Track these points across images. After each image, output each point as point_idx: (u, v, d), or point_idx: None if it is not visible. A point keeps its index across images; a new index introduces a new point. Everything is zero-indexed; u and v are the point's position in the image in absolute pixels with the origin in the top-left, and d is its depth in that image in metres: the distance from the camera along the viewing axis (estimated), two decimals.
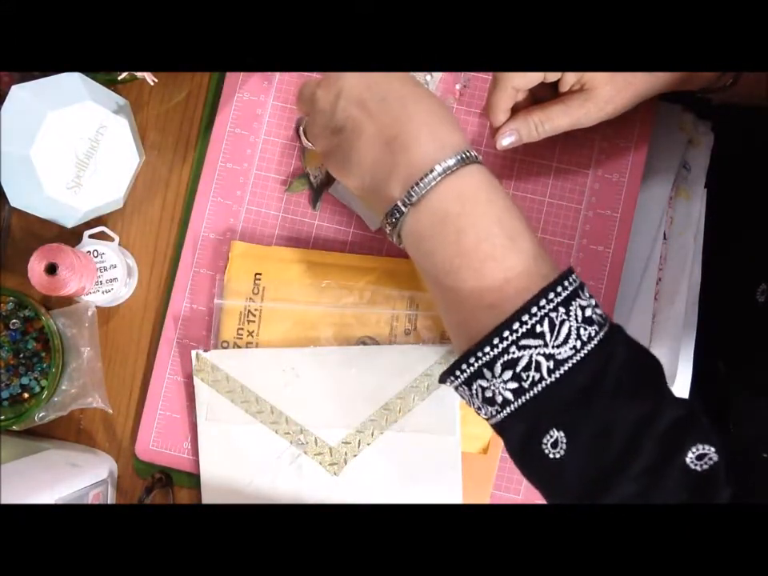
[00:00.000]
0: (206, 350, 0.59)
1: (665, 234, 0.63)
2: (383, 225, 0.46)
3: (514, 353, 0.40)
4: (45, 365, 0.59)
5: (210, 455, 0.59)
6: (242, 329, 0.60)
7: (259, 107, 0.62)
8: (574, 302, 0.41)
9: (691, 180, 0.65)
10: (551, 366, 0.40)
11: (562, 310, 0.40)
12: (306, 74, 0.62)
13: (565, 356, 0.40)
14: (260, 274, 0.60)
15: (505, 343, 0.40)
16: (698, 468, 0.39)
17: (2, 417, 0.58)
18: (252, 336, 0.60)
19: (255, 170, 0.62)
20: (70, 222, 0.58)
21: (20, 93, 0.55)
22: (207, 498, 0.59)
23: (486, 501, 0.59)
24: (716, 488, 0.39)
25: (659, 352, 0.63)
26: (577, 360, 0.40)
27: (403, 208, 0.44)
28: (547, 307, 0.40)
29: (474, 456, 0.59)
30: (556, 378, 0.40)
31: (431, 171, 0.43)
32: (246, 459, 0.59)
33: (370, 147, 0.45)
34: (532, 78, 0.52)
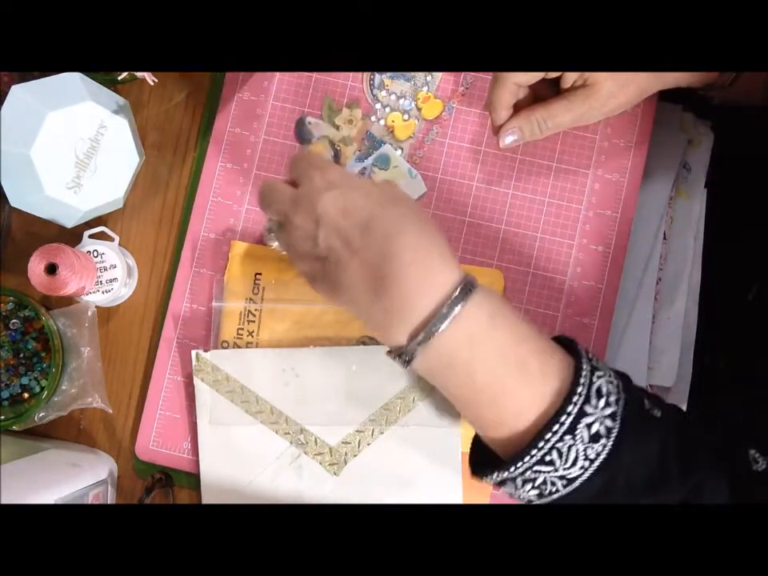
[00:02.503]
0: (206, 350, 0.59)
1: (665, 234, 0.63)
2: (389, 355, 0.46)
3: (529, 475, 0.43)
4: (45, 365, 0.59)
5: (209, 455, 0.59)
6: (242, 329, 0.60)
7: (259, 107, 0.62)
8: (579, 425, 0.42)
9: (691, 180, 0.65)
10: (564, 483, 0.43)
11: (567, 437, 0.42)
12: (305, 73, 0.62)
13: (575, 474, 0.42)
14: (260, 274, 0.60)
15: (520, 469, 0.43)
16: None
17: (2, 417, 0.58)
18: (252, 336, 0.60)
19: (255, 169, 0.62)
20: (69, 222, 0.58)
21: (20, 93, 0.54)
22: (207, 498, 0.59)
23: (486, 501, 0.59)
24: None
25: (659, 352, 0.63)
26: (587, 476, 0.42)
27: (411, 351, 0.43)
28: (553, 439, 0.42)
29: None
30: (570, 490, 0.43)
31: (434, 316, 0.42)
32: (245, 459, 0.59)
33: (357, 285, 0.44)
34: (533, 74, 0.52)
